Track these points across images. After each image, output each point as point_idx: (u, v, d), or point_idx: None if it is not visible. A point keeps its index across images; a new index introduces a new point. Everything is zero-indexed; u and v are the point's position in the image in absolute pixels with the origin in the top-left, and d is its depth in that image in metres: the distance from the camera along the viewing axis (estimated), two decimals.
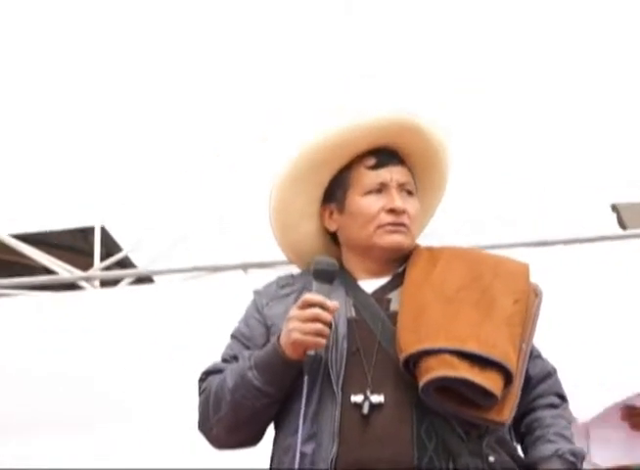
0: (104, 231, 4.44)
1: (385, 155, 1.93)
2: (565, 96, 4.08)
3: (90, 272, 4.39)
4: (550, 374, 1.94)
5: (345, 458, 1.76)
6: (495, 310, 1.83)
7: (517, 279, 1.90)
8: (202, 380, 1.93)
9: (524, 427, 1.89)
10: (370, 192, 1.91)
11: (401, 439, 1.77)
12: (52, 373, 4.06)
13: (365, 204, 1.91)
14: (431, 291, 1.85)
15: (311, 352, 1.77)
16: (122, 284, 4.32)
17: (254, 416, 1.85)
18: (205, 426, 1.90)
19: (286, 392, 1.83)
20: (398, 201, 1.89)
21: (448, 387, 1.76)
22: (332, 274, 1.82)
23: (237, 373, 1.84)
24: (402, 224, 1.89)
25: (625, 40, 4.07)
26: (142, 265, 4.51)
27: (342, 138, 1.92)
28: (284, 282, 1.98)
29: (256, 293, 1.99)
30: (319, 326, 1.75)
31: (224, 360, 1.93)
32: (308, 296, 1.78)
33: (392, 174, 1.91)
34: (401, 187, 1.91)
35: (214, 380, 1.89)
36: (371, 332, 1.84)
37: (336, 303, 1.79)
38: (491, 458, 1.79)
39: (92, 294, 4.35)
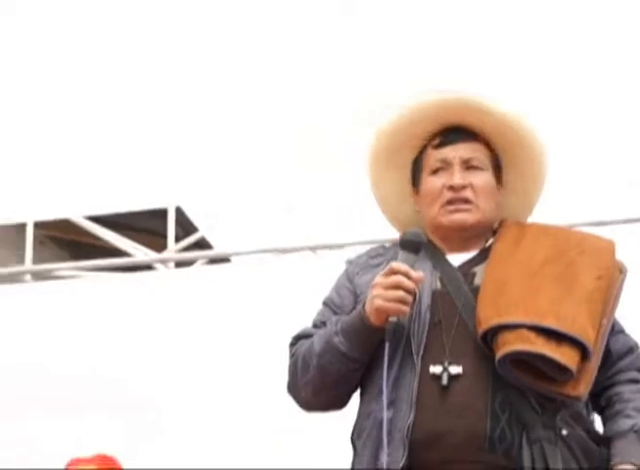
0: (180, 212, 4.57)
1: (452, 133, 1.96)
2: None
3: (165, 254, 4.54)
4: (632, 349, 1.95)
5: (421, 427, 1.80)
6: (577, 286, 1.86)
7: (602, 255, 1.92)
8: (292, 344, 1.99)
9: (603, 401, 1.92)
10: (435, 171, 1.95)
11: (476, 410, 1.81)
12: (126, 353, 4.22)
13: (430, 183, 1.95)
14: (514, 266, 1.88)
15: (393, 319, 1.80)
16: (197, 264, 4.47)
17: (340, 380, 1.91)
18: (294, 389, 1.97)
19: (370, 358, 1.87)
20: (457, 177, 1.91)
21: (525, 361, 1.79)
22: (417, 245, 1.86)
23: (324, 338, 1.90)
24: (463, 200, 1.92)
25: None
26: (217, 245, 4.64)
27: (407, 120, 1.98)
28: (375, 253, 2.03)
29: (349, 262, 2.04)
30: (401, 294, 1.79)
31: (314, 326, 1.98)
32: (393, 264, 1.83)
33: (456, 152, 1.94)
34: (466, 163, 1.93)
35: (303, 344, 1.94)
36: (453, 305, 1.87)
37: (420, 273, 1.82)
38: (564, 432, 1.81)
39: (167, 274, 4.51)
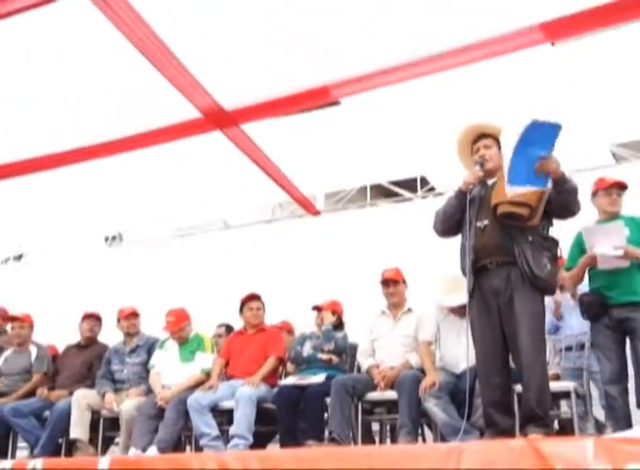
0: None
1: (479, 137, 4.61)
2: None
3: (417, 193, 8.20)
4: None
5: (476, 245, 4.34)
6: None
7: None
8: (437, 212, 4.63)
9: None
10: (475, 152, 4.61)
11: (496, 237, 4.28)
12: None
13: (474, 156, 4.59)
14: (502, 181, 4.28)
15: (471, 186, 4.38)
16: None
17: (449, 216, 4.45)
18: (435, 224, 4.58)
19: (461, 209, 4.35)
20: (481, 152, 4.55)
21: (509, 214, 4.24)
22: (481, 163, 4.50)
23: (447, 200, 4.49)
24: (485, 160, 4.54)
25: None
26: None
27: (464, 133, 4.67)
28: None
29: None
30: (475, 176, 4.40)
31: None
32: (473, 168, 4.51)
33: (482, 143, 4.59)
34: (485, 146, 4.57)
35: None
36: (487, 199, 4.41)
37: (480, 173, 4.44)
38: (530, 238, 4.21)
39: (419, 202, 8.08)
